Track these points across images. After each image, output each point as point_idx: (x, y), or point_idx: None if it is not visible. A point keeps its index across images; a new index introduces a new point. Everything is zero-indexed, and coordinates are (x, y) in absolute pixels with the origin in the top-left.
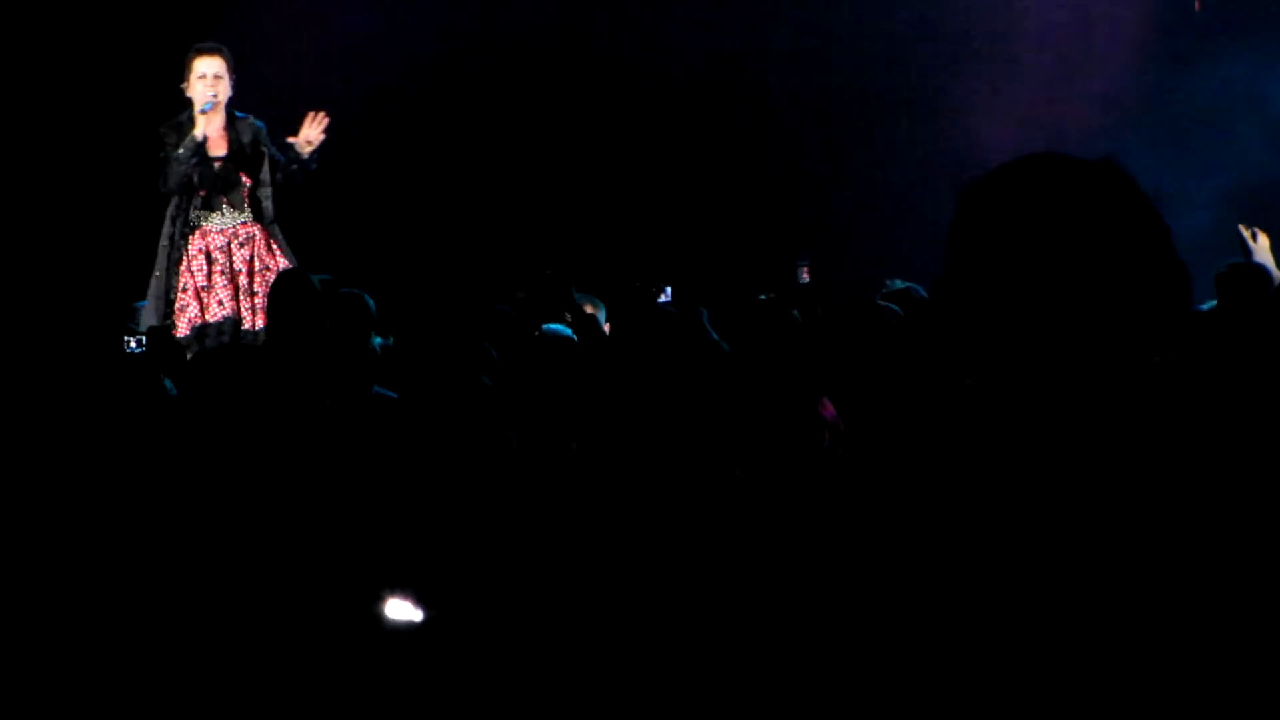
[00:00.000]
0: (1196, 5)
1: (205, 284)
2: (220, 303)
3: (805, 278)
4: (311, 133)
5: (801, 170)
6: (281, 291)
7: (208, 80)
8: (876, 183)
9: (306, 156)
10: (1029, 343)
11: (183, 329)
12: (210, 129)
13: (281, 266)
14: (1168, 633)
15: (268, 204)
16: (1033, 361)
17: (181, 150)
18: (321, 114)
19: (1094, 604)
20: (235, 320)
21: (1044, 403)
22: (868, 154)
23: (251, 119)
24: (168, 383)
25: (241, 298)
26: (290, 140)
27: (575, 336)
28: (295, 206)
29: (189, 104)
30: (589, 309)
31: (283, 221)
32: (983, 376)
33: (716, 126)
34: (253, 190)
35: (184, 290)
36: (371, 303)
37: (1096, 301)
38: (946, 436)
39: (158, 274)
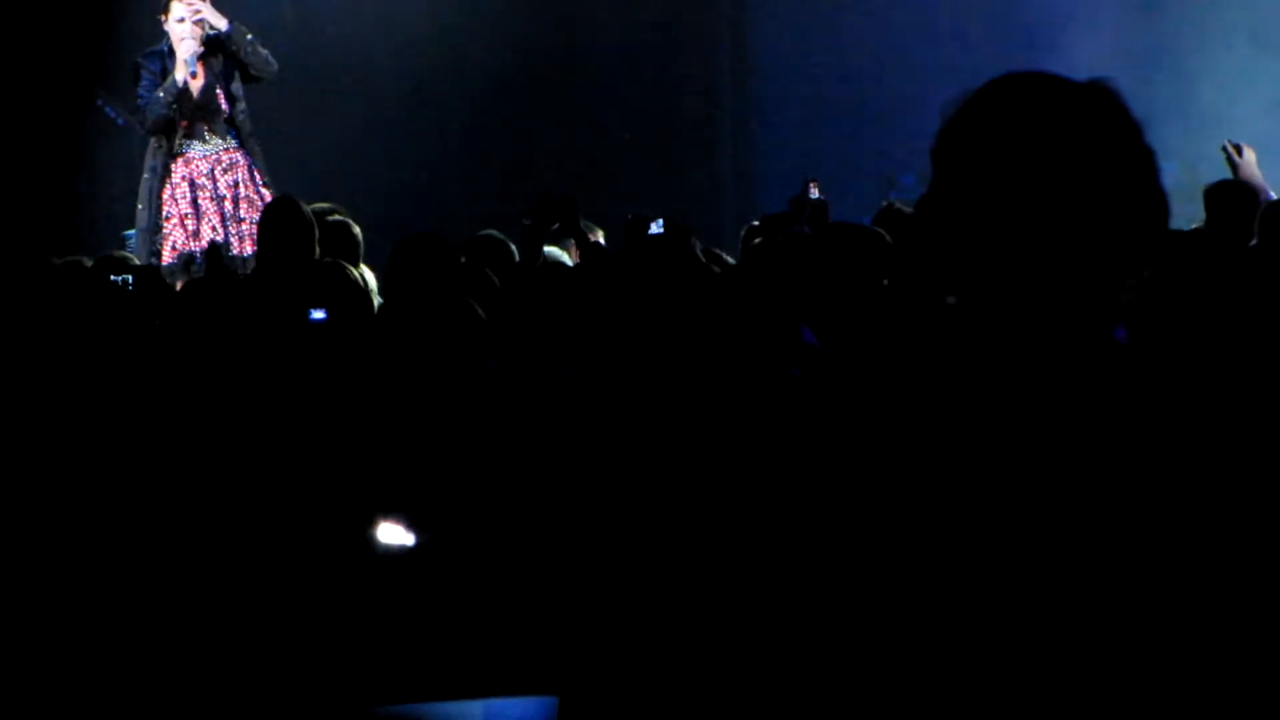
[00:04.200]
0: None
1: (190, 211)
2: (214, 228)
3: (815, 194)
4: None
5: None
6: (272, 218)
7: (187, 25)
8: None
9: (230, 39)
10: (1009, 260)
11: (168, 256)
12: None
13: (264, 193)
14: (1103, 570)
15: (244, 119)
16: (1012, 279)
17: (162, 94)
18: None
19: (1039, 529)
20: (224, 245)
21: (1021, 321)
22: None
23: (220, 30)
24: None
25: (229, 224)
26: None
27: (571, 263)
28: (290, 132)
29: (166, 35)
30: (592, 236)
31: (276, 152)
32: (963, 294)
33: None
34: (231, 113)
35: (168, 219)
36: (358, 231)
37: (1077, 220)
38: (924, 354)
39: (141, 206)
